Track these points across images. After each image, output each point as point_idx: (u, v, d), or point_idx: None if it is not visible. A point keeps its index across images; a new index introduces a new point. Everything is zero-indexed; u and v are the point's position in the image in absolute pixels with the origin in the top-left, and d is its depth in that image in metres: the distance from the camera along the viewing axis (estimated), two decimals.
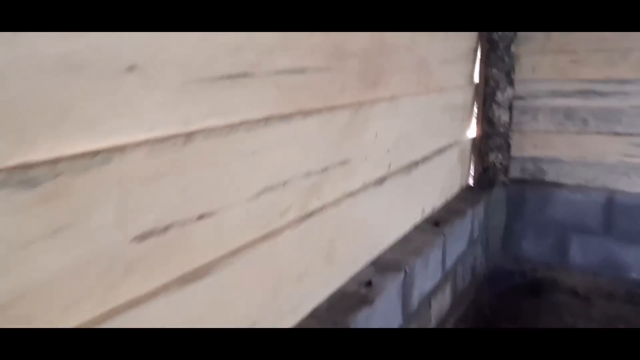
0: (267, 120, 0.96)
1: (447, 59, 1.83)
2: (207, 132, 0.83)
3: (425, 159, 1.75)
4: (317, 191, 1.14)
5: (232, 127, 0.88)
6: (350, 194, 1.27)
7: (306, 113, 1.07)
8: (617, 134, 2.01)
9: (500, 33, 2.00)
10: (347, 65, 1.19)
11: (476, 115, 2.20)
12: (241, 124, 0.90)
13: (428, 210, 1.81)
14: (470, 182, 2.25)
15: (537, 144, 2.17)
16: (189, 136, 0.79)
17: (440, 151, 1.89)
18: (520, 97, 2.18)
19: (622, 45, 1.95)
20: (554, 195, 2.07)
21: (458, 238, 1.81)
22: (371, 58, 1.31)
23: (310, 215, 1.12)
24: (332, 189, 1.20)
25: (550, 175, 2.16)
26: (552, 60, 2.07)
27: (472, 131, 2.21)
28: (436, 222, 1.74)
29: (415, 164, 1.68)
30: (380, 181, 1.46)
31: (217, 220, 0.87)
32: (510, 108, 2.09)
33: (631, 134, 1.99)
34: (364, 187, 1.37)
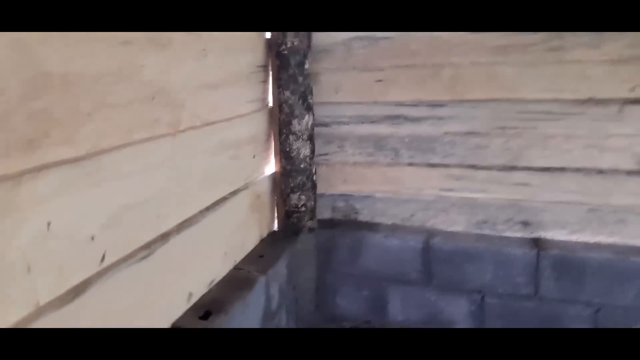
0: None
1: (213, 82, 1.35)
2: None
3: (186, 224, 1.25)
4: None
5: None
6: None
7: None
8: (432, 165, 1.72)
9: (289, 45, 1.57)
10: None
11: (274, 148, 1.76)
12: None
13: (198, 293, 1.32)
14: (276, 227, 1.82)
15: (346, 179, 1.81)
16: None
17: (217, 205, 1.40)
18: (324, 124, 1.79)
19: (432, 61, 1.65)
20: (368, 241, 1.72)
21: (241, 323, 1.34)
22: (22, 102, 0.76)
23: None
24: None
25: (364, 215, 1.82)
26: (355, 79, 1.71)
27: (270, 167, 1.77)
28: (207, 312, 1.25)
29: (166, 236, 1.17)
30: (84, 287, 0.92)
31: None
32: (311, 138, 1.68)
33: (447, 165, 1.71)
34: (39, 314, 0.83)
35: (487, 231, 1.70)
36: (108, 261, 1.00)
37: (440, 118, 1.69)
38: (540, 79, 1.57)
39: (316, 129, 1.77)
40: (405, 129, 1.72)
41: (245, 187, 1.57)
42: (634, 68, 1.48)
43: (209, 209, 1.37)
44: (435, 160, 1.71)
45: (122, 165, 1.01)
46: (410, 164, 1.74)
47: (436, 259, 1.65)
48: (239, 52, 1.50)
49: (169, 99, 1.16)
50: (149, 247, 1.11)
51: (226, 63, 1.41)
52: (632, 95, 1.50)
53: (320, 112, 1.77)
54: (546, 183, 1.64)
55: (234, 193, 1.51)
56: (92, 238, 0.95)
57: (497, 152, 1.66)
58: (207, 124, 1.34)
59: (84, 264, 0.93)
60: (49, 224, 0.84)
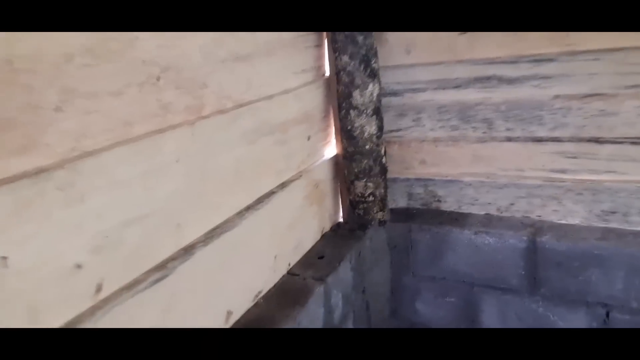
0: None
1: (245, 51, 1.07)
2: None
3: (218, 231, 1.01)
4: None
5: None
6: None
7: None
8: (537, 139, 1.32)
9: None
10: None
11: (335, 125, 1.47)
12: None
13: (241, 309, 1.09)
14: (341, 218, 1.54)
15: (425, 159, 1.46)
16: None
17: (260, 202, 1.15)
18: (394, 93, 1.45)
19: None
20: (453, 238, 1.38)
21: None
22: None
23: None
24: None
25: (449, 203, 1.47)
26: (432, 33, 1.34)
27: (332, 148, 1.48)
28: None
29: (190, 250, 0.94)
30: (74, 325, 0.73)
31: None
32: (378, 112, 1.36)
33: (558, 139, 1.30)
34: None
35: (615, 224, 1.28)
36: (107, 291, 0.79)
37: (547, 77, 1.28)
38: None
39: (384, 100, 1.44)
40: (501, 94, 1.33)
41: (298, 176, 1.30)
42: None
43: (249, 208, 1.12)
44: (542, 133, 1.31)
45: (115, 170, 0.79)
46: (508, 139, 1.35)
47: (545, 262, 1.28)
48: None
49: (182, 78, 0.91)
50: (164, 267, 0.88)
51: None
52: None
53: (389, 78, 1.43)
54: None
55: (283, 185, 1.25)
56: (79, 266, 0.74)
57: (630, 119, 1.23)
58: (241, 105, 1.08)
59: (71, 299, 0.73)
60: (4, 258, 0.64)
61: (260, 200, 1.16)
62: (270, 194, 1.20)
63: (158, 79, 0.86)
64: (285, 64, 1.24)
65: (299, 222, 1.31)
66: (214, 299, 1.01)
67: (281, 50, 1.21)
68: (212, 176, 1.00)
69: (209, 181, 0.99)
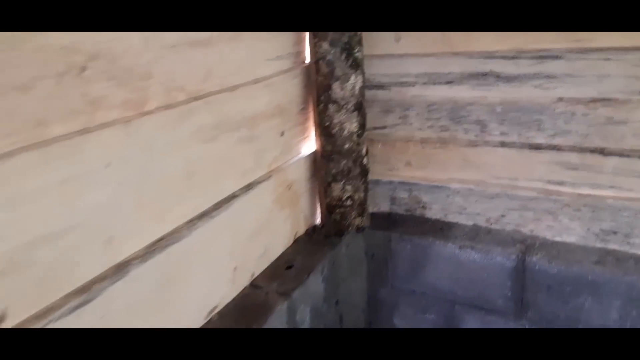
0: None
1: (202, 36, 0.93)
2: None
3: (162, 244, 0.88)
4: None
5: None
6: None
7: None
8: (535, 146, 1.19)
9: None
10: None
11: (314, 119, 1.32)
12: None
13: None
14: (319, 221, 1.42)
15: (411, 161, 1.33)
16: None
17: (218, 208, 1.02)
18: (380, 86, 1.30)
19: None
20: (436, 251, 1.26)
21: None
22: None
23: None
24: None
25: (434, 210, 1.34)
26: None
27: (310, 145, 1.34)
28: None
29: (123, 268, 0.81)
30: None
31: None
32: (360, 107, 1.22)
33: (558, 148, 1.17)
34: None
35: (615, 246, 1.16)
36: (13, 321, 0.67)
37: (551, 77, 1.13)
38: None
39: (369, 93, 1.29)
40: (497, 93, 1.19)
41: (267, 177, 1.17)
42: None
43: (203, 215, 0.99)
44: (541, 139, 1.17)
45: (22, 179, 0.65)
46: (502, 144, 1.21)
47: (534, 284, 1.16)
48: None
49: (117, 68, 0.77)
50: (88, 290, 0.76)
51: None
52: None
53: (375, 69, 1.28)
54: None
55: (249, 187, 1.12)
56: None
57: None
58: (197, 98, 0.94)
59: None
60: None
61: (218, 206, 1.02)
62: (232, 197, 1.07)
63: (83, 69, 0.72)
64: (255, 49, 1.09)
65: (266, 227, 1.19)
66: (152, 320, 0.89)
67: (250, 33, 1.06)
68: (155, 181, 0.86)
69: (150, 187, 0.85)
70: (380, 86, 1.30)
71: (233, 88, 1.03)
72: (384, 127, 1.33)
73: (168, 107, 0.88)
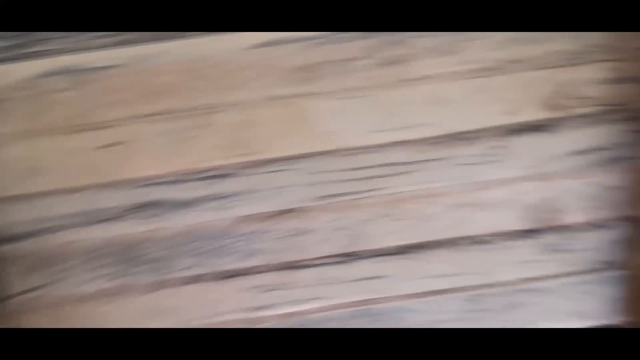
0: None
1: None
2: None
3: None
4: None
5: None
6: None
7: None
8: (228, 275, 1.02)
9: None
10: None
11: None
12: None
13: None
14: None
15: (82, 324, 1.02)
16: None
17: None
18: (17, 238, 0.97)
19: (197, 102, 0.95)
20: None
21: None
22: None
23: None
24: None
25: None
26: (65, 147, 0.93)
27: None
28: None
29: None
30: None
31: None
32: None
33: (251, 271, 1.02)
34: None
35: None
36: None
37: (228, 196, 1.00)
38: (371, 114, 0.98)
39: (3, 249, 0.95)
40: (174, 223, 0.99)
41: None
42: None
43: None
44: (231, 265, 1.02)
45: None
46: (192, 280, 1.02)
47: None
48: None
49: None
50: None
51: None
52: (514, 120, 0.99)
53: (6, 217, 0.96)
54: (403, 269, 1.07)
55: None
56: None
57: (327, 235, 1.04)
58: None
59: None
60: None
61: None
62: None
63: None
64: None
65: None
66: None
67: None
68: None
69: None
70: (18, 238, 0.97)
71: None
72: (34, 289, 0.99)
73: None
